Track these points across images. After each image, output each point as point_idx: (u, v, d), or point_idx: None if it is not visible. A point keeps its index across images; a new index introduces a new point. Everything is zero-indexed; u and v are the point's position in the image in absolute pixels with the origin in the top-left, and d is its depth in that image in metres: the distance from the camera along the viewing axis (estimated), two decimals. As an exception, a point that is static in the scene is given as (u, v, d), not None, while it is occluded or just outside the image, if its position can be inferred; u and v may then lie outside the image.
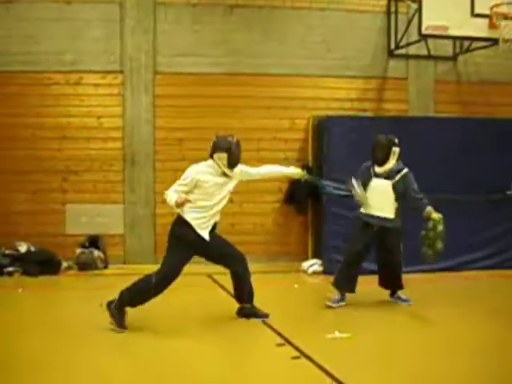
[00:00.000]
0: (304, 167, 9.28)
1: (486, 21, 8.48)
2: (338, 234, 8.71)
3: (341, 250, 8.68)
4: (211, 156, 6.19)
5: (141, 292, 5.97)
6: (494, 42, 8.58)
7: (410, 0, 9.31)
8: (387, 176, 6.83)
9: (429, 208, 6.69)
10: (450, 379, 4.87)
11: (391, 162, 6.85)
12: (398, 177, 6.80)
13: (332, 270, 8.72)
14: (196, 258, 9.00)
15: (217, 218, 6.21)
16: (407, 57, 9.98)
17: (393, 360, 5.28)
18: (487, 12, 8.41)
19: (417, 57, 9.99)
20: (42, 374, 4.79)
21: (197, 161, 9.15)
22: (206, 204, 6.02)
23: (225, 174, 6.13)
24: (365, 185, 6.92)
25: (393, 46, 9.81)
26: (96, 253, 9.02)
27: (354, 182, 6.93)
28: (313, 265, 8.99)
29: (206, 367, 5.07)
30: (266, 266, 9.16)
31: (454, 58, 10.16)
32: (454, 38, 9.07)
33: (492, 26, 8.43)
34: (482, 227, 9.03)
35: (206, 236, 6.08)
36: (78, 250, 9.02)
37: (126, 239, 9.34)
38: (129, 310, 6.01)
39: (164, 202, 9.15)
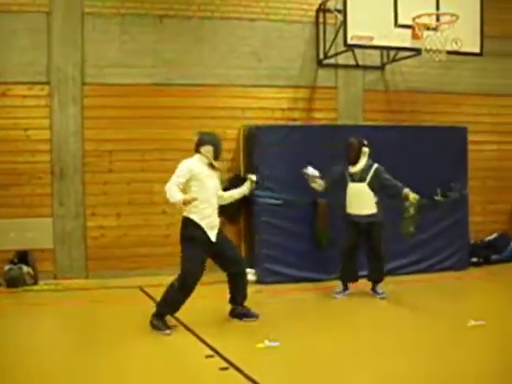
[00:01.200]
0: (234, 176, 9.36)
1: (409, 31, 8.69)
2: (270, 243, 8.76)
3: (273, 259, 8.78)
4: (197, 151, 6.58)
5: (170, 301, 6.46)
6: (418, 51, 8.79)
7: (337, 11, 9.48)
8: (361, 178, 7.71)
9: (406, 190, 7.58)
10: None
11: (362, 161, 7.74)
12: (370, 175, 7.68)
13: (265, 278, 8.80)
14: (123, 271, 9.01)
15: (218, 219, 6.61)
16: (336, 66, 10.13)
17: (320, 369, 5.33)
18: (410, 23, 8.62)
19: (345, 66, 10.16)
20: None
21: (127, 172, 9.20)
22: (204, 197, 6.35)
23: (212, 166, 6.56)
24: (343, 187, 7.83)
25: (322, 55, 9.94)
26: (25, 268, 8.78)
27: (309, 169, 7.83)
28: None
29: (131, 381, 5.01)
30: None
31: (382, 67, 10.38)
32: (379, 48, 9.25)
33: (415, 36, 8.64)
34: (410, 232, 9.21)
35: (213, 237, 6.48)
36: (7, 266, 8.78)
37: (55, 254, 9.12)
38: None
39: (94, 214, 9.18)
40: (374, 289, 8.06)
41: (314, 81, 10.10)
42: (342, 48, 9.24)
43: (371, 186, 7.68)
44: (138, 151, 9.24)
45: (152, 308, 6.71)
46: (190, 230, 6.41)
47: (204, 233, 6.41)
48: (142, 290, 8.39)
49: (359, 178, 7.71)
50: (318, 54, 10.03)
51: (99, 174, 9.15)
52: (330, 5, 9.78)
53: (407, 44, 8.76)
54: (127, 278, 8.92)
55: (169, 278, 8.99)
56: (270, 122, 9.54)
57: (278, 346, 5.88)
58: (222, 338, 6.14)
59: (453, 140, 9.73)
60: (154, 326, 6.40)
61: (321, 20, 9.99)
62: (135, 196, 9.23)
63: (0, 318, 7.21)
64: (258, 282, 8.87)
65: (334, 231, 8.80)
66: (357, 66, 10.14)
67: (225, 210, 9.27)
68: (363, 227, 7.74)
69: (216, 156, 6.58)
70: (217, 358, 5.54)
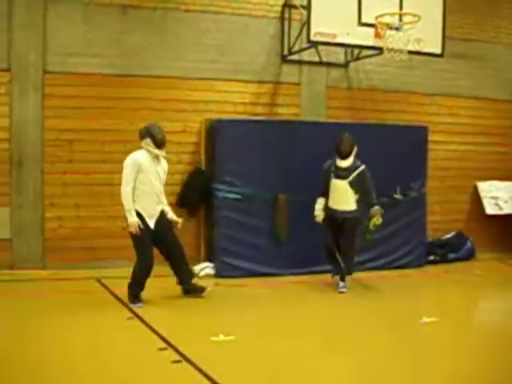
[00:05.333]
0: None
1: (372, 30, 8.75)
2: (229, 238, 8.76)
3: (232, 254, 8.79)
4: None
5: (134, 279, 7.15)
6: (380, 50, 8.86)
7: (302, 7, 9.50)
8: (346, 175, 8.00)
9: (373, 210, 8.01)
10: (328, 381, 5.00)
11: (351, 158, 8.05)
12: (354, 174, 8.00)
13: (223, 272, 8.81)
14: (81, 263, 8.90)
15: (162, 206, 7.22)
16: (300, 62, 10.16)
17: (273, 364, 5.36)
18: (373, 21, 8.68)
19: (309, 63, 10.19)
20: None
21: (87, 162, 9.11)
22: (147, 188, 6.99)
23: (157, 157, 7.09)
24: (327, 184, 8.13)
25: (286, 51, 9.96)
26: (-19, 258, 8.67)
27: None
28: (204, 268, 8.98)
29: (83, 372, 4.98)
30: (158, 269, 9.06)
31: (345, 65, 10.45)
32: (341, 46, 9.27)
33: (377, 35, 8.70)
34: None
35: (152, 225, 7.08)
36: (-38, 256, 8.65)
37: (12, 244, 8.97)
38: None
39: (53, 205, 9.07)
40: (341, 279, 8.15)
41: (278, 76, 10.11)
42: (306, 44, 9.26)
43: (352, 184, 8.01)
44: (99, 142, 9.14)
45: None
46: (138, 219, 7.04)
47: (144, 220, 7.03)
48: (98, 281, 8.34)
49: (343, 175, 8.01)
50: (282, 50, 10.04)
51: (59, 163, 9.03)
52: (296, 1, 9.80)
53: (369, 43, 8.82)
54: (84, 270, 8.84)
55: (126, 269, 8.99)
56: (232, 115, 9.52)
57: (233, 339, 5.90)
58: (176, 331, 6.14)
59: (413, 139, 9.84)
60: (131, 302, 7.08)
61: (286, 15, 10.01)
62: (94, 187, 9.12)
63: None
64: (217, 275, 8.87)
65: (293, 227, 8.85)
66: (320, 63, 10.19)
67: (185, 203, 9.36)
68: (340, 222, 8.05)
69: (158, 145, 7.03)
70: (170, 351, 5.54)
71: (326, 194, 8.15)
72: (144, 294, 7.21)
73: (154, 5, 9.42)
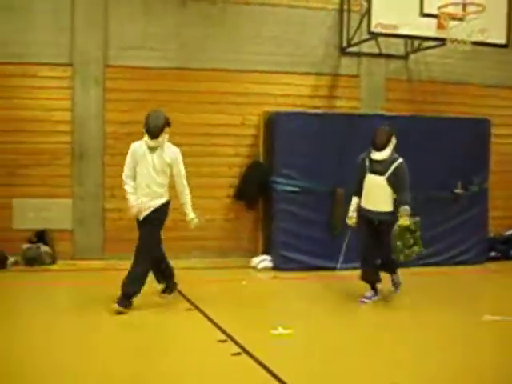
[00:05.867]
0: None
1: (434, 21, 8.58)
2: (287, 231, 8.76)
3: (290, 247, 8.77)
4: None
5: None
6: (443, 41, 8.67)
7: (362, -2, 9.40)
8: (382, 170, 6.96)
9: (401, 210, 6.79)
10: (387, 375, 4.94)
11: (388, 150, 6.98)
12: (390, 169, 6.93)
13: (281, 265, 8.82)
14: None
15: (156, 201, 6.70)
16: (359, 54, 10.04)
17: (331, 357, 5.33)
18: (435, 12, 8.50)
19: (368, 55, 10.06)
20: None
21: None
22: (139, 179, 6.67)
23: (152, 148, 6.65)
24: (361, 180, 7.14)
25: (345, 43, 9.86)
26: (43, 248, 8.87)
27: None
28: (263, 261, 9.00)
29: (143, 363, 5.03)
30: (216, 261, 9.17)
31: (405, 56, 10.27)
32: (403, 37, 9.14)
33: (440, 26, 8.54)
34: (430, 225, 9.07)
35: (141, 216, 6.74)
36: (25, 245, 8.87)
37: (74, 235, 9.18)
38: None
39: (113, 196, 9.21)
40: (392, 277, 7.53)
41: (336, 68, 10.02)
42: (366, 36, 9.15)
43: (389, 181, 6.95)
44: (158, 135, 9.23)
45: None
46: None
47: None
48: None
49: (380, 170, 6.99)
50: (340, 42, 9.94)
51: (119, 156, 9.07)
52: (356, -8, 9.68)
53: (432, 34, 8.66)
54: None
55: (184, 261, 9.06)
56: (290, 108, 9.48)
57: (292, 333, 5.88)
58: (236, 323, 6.15)
59: (475, 132, 9.61)
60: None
61: (345, 7, 9.89)
62: (153, 179, 9.22)
63: (17, 296, 7.30)
64: (274, 268, 8.88)
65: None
66: (380, 55, 10.04)
67: (243, 196, 9.39)
68: (375, 224, 7.06)
69: (150, 134, 6.60)
70: (229, 343, 5.55)
71: (359, 192, 7.20)
72: (204, 285, 7.21)
73: (213, -3, 9.46)
